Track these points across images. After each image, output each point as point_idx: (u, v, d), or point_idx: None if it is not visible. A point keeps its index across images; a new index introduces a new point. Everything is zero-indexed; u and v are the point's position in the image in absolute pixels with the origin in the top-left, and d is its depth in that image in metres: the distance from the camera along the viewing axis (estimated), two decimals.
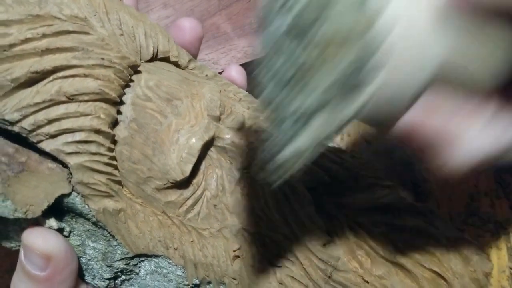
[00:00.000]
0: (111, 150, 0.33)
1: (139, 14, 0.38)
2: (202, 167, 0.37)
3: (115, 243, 0.35)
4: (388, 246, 0.40)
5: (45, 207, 0.31)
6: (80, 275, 0.36)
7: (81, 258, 0.35)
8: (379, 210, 0.41)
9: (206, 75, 0.42)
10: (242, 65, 0.55)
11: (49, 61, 0.31)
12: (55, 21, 0.33)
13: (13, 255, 0.35)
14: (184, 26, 0.43)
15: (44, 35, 0.32)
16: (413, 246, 0.40)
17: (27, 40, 0.31)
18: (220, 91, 0.38)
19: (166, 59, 0.40)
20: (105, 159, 0.33)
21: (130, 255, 0.35)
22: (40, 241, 0.32)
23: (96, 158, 0.32)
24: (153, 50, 0.38)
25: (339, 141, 0.64)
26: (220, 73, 0.46)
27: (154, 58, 0.38)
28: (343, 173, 0.41)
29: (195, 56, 0.46)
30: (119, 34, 0.36)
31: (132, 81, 0.35)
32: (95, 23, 0.34)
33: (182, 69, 0.41)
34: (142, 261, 0.36)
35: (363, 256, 0.40)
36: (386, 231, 0.40)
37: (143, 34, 0.37)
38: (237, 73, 0.47)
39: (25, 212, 0.30)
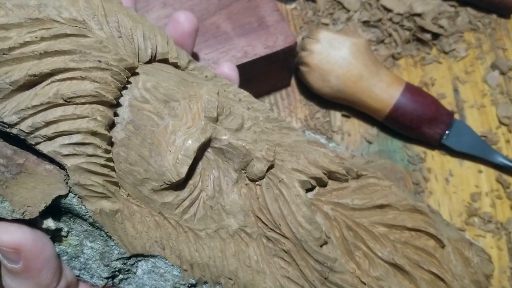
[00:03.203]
0: (107, 151, 0.34)
1: (139, 16, 0.39)
2: (199, 168, 0.37)
3: (112, 243, 0.35)
4: (387, 247, 0.40)
5: (43, 208, 0.32)
6: (78, 274, 0.37)
7: (79, 258, 0.36)
8: (378, 210, 0.41)
9: (206, 76, 0.43)
10: (242, 64, 0.55)
11: (47, 64, 0.32)
12: (54, 24, 0.33)
13: None
14: (181, 19, 0.45)
15: (43, 38, 0.32)
16: (412, 247, 0.40)
17: (26, 44, 0.32)
18: (218, 92, 0.38)
19: (165, 61, 0.40)
20: (102, 161, 0.33)
21: (127, 255, 0.36)
22: (5, 236, 0.32)
23: (93, 159, 0.33)
24: (152, 52, 0.38)
25: (340, 141, 0.64)
26: None
27: (152, 60, 0.39)
28: (342, 173, 0.40)
29: (193, 48, 0.47)
30: (117, 37, 0.36)
31: (129, 83, 0.35)
32: (94, 26, 0.35)
33: (182, 70, 0.41)
34: (139, 261, 0.37)
35: (361, 257, 0.39)
36: (385, 232, 0.40)
37: (141, 36, 0.37)
38: (229, 69, 0.48)
39: (23, 213, 0.31)
